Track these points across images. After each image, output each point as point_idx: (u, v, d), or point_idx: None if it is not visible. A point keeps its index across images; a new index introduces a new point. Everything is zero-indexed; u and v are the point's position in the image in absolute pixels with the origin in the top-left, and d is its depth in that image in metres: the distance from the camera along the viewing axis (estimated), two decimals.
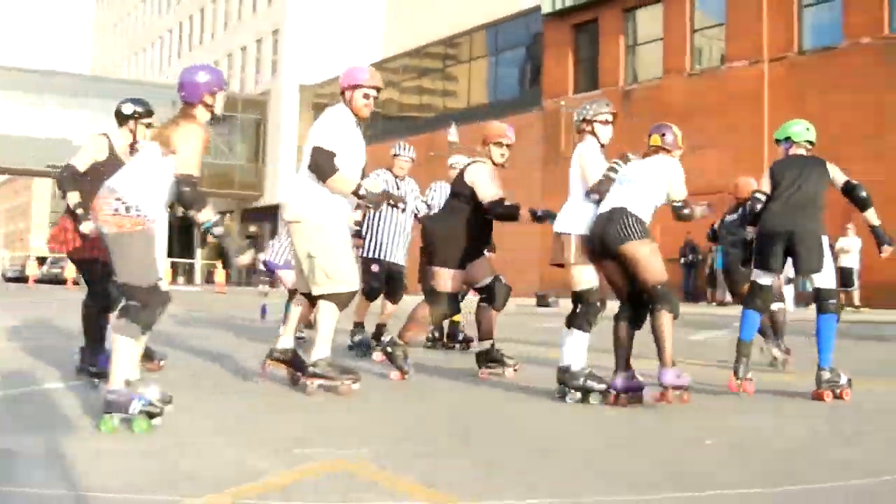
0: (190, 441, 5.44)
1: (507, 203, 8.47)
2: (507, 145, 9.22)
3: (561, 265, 7.54)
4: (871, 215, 8.03)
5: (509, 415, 6.86)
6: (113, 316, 6.65)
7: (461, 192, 8.71)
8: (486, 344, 9.20)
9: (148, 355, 8.23)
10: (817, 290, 7.88)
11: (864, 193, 8.00)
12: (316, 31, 53.56)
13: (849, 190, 8.05)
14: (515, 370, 9.04)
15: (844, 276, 23.83)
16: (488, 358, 9.15)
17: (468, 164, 8.62)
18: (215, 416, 6.40)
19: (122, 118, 8.39)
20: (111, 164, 7.75)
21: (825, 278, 7.83)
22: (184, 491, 4.22)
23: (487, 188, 8.13)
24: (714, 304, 27.59)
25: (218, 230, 6.49)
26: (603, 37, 34.59)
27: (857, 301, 24.12)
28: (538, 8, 37.11)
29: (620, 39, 33.99)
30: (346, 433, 5.82)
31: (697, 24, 31.79)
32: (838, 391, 7.55)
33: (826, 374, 7.60)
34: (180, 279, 62.00)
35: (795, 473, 4.84)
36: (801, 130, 8.61)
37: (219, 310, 23.56)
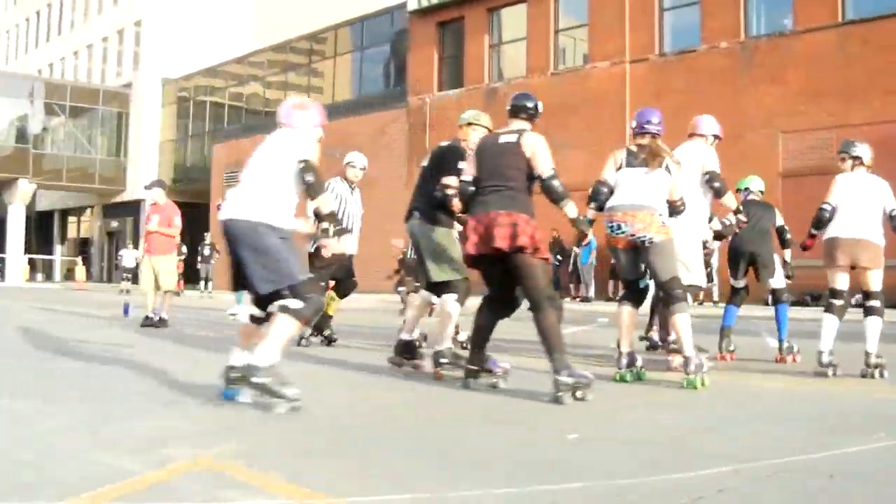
0: (48, 443, 5.29)
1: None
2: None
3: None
4: (788, 252, 11.11)
5: (388, 412, 6.83)
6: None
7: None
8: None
9: None
10: (773, 290, 10.87)
11: (788, 236, 11.08)
12: (179, 23, 52.72)
13: (780, 231, 11.08)
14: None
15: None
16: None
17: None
18: (76, 417, 6.21)
19: None
20: None
21: (777, 281, 10.84)
22: (40, 496, 4.08)
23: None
24: (578, 299, 27.96)
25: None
26: (468, 35, 34.72)
27: (715, 297, 24.83)
28: (404, 5, 37.08)
29: (485, 38, 34.17)
30: (217, 432, 5.71)
31: (561, 24, 32.15)
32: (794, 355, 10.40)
33: (785, 344, 10.44)
34: (39, 276, 60.52)
35: (662, 462, 4.90)
36: (760, 184, 11.69)
37: (82, 307, 23.03)
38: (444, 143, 9.34)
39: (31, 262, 57.08)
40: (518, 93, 8.28)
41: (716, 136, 10.40)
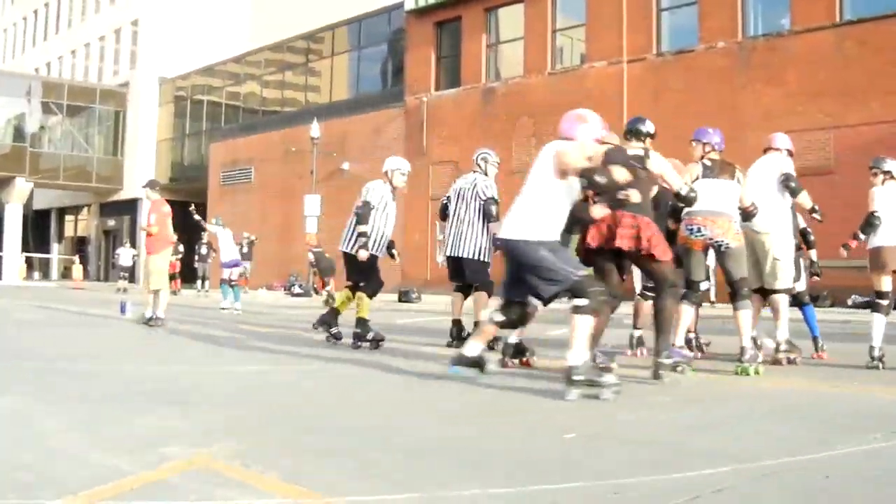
0: (46, 442, 5.28)
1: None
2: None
3: None
4: (814, 252, 11.81)
5: (387, 411, 6.82)
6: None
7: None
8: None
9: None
10: (796, 293, 10.62)
11: (812, 237, 11.86)
12: (176, 22, 52.59)
13: (803, 233, 11.65)
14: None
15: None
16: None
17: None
18: (74, 416, 6.21)
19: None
20: None
21: (799, 284, 10.83)
22: (38, 495, 4.07)
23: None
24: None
25: None
26: (465, 35, 34.67)
27: (712, 297, 24.78)
28: (401, 4, 37.03)
29: (482, 38, 34.13)
30: (215, 431, 5.70)
31: (558, 24, 32.11)
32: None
33: (820, 342, 10.80)
34: (36, 275, 60.47)
35: (660, 462, 4.90)
36: None
37: (79, 306, 23.01)
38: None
39: (28, 261, 56.99)
40: (633, 117, 9.52)
41: (789, 151, 10.76)
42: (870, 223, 9.92)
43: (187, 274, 38.46)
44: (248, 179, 44.76)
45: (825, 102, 24.52)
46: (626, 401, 7.24)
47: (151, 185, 17.08)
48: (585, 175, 7.40)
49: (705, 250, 9.46)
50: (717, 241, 9.10)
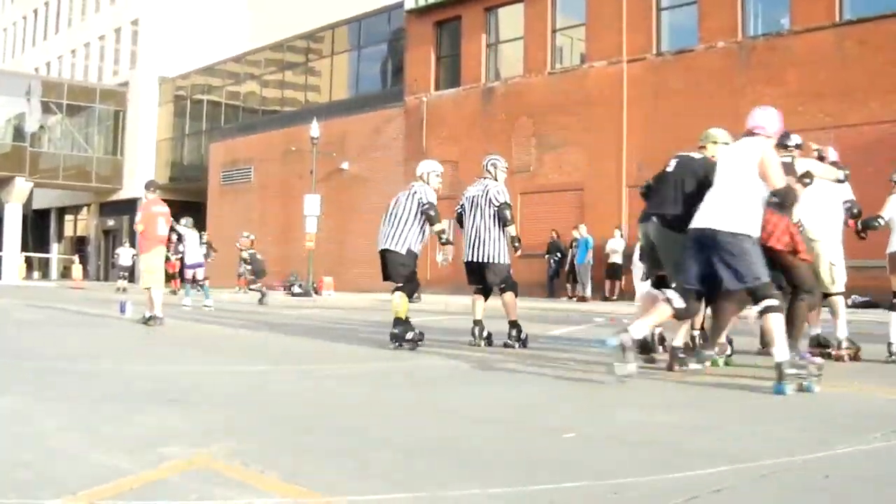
0: (46, 441, 5.27)
1: None
2: None
3: None
4: None
5: (386, 411, 6.81)
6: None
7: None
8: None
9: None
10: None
11: None
12: (176, 22, 52.56)
13: None
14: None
15: (614, 270, 27.46)
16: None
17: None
18: (74, 416, 6.21)
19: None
20: None
21: None
22: (38, 494, 4.06)
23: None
24: (574, 299, 27.95)
25: None
26: (465, 34, 34.69)
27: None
28: (401, 4, 37.03)
29: (482, 37, 34.13)
30: (215, 431, 5.69)
31: (558, 23, 32.11)
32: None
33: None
34: (35, 274, 60.48)
35: (659, 462, 4.90)
36: None
37: (78, 305, 23.01)
38: (696, 155, 9.69)
39: (28, 261, 56.99)
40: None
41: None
42: (868, 224, 10.66)
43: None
44: (247, 179, 44.76)
45: (825, 102, 24.52)
46: (624, 401, 7.27)
47: (147, 185, 17.22)
48: (779, 193, 7.97)
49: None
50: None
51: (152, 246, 16.34)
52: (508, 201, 12.00)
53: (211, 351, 11.85)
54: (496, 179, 12.26)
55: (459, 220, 12.46)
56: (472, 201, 12.15)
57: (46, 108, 54.93)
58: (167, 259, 37.24)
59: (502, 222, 11.84)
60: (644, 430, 5.95)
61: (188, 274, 23.75)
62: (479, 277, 12.09)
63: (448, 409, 6.91)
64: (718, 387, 8.07)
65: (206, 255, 36.49)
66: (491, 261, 11.85)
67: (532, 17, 32.38)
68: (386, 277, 12.04)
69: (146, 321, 15.80)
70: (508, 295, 11.92)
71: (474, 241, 11.96)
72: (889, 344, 10.28)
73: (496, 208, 11.84)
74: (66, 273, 56.98)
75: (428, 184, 12.23)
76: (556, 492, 4.24)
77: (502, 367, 9.66)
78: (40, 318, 18.38)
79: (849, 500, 4.28)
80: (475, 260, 11.94)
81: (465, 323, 13.01)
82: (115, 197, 55.98)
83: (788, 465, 4.85)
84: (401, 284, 11.79)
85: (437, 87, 35.62)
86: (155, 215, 16.30)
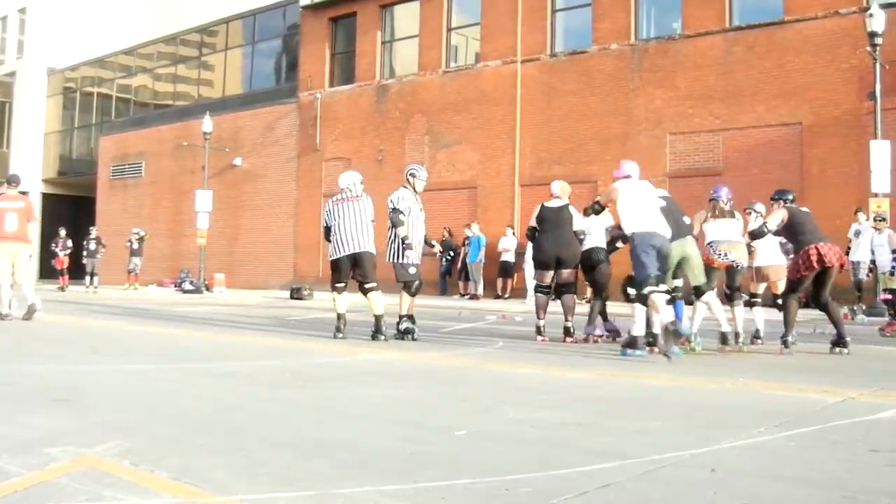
0: None
1: None
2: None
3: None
4: None
5: (280, 410, 6.77)
6: None
7: None
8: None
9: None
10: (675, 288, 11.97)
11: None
12: (66, 12, 51.45)
13: None
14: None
15: (506, 268, 28.02)
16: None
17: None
18: None
19: None
20: None
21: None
22: None
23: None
24: (467, 297, 28.05)
25: None
26: (360, 31, 34.58)
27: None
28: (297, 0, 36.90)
29: (377, 34, 34.06)
30: (103, 430, 5.57)
31: (454, 22, 32.19)
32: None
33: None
34: None
35: (549, 460, 4.91)
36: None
37: None
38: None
39: None
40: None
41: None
42: (757, 233, 12.01)
43: (75, 270, 37.77)
44: (138, 174, 44.05)
45: (715, 105, 25.03)
46: (511, 398, 7.33)
47: (9, 180, 17.00)
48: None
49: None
50: (736, 263, 12.10)
51: None
52: (399, 207, 12.87)
53: (96, 349, 11.65)
54: (415, 189, 13.24)
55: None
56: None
57: None
58: (55, 255, 36.77)
59: (393, 224, 12.83)
60: (531, 428, 5.96)
61: None
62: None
63: (341, 407, 6.88)
64: (603, 386, 8.16)
65: (96, 252, 36.10)
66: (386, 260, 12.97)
67: (427, 16, 32.41)
68: (354, 277, 13.07)
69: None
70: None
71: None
72: (757, 330, 12.56)
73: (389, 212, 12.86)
74: None
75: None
76: (448, 488, 4.25)
77: (395, 365, 9.71)
78: None
79: (734, 492, 4.32)
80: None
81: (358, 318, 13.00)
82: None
83: (674, 460, 4.92)
84: (375, 283, 12.96)
85: (332, 84, 35.45)
86: (3, 210, 15.90)
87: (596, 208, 11.83)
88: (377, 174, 29.91)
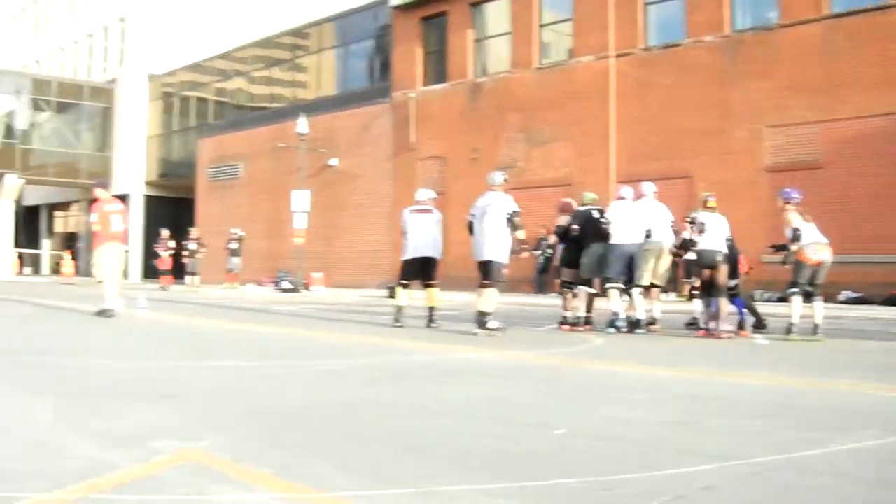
0: (36, 434, 5.32)
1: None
2: None
3: None
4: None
5: (377, 408, 6.77)
6: None
7: None
8: None
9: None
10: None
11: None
12: (163, 19, 52.44)
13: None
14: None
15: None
16: None
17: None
18: (64, 410, 6.26)
19: None
20: None
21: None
22: (28, 487, 4.06)
23: None
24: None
25: None
26: (451, 30, 34.59)
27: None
28: (387, 0, 36.96)
29: (469, 33, 34.01)
30: (205, 425, 5.72)
31: (545, 18, 32.00)
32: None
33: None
34: (27, 270, 60.56)
35: (647, 460, 4.88)
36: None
37: (69, 301, 22.90)
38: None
39: (20, 257, 57.11)
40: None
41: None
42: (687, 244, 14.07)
43: (176, 269, 38.41)
44: (236, 175, 44.67)
45: (813, 96, 24.44)
46: (606, 396, 7.35)
47: (100, 184, 18.23)
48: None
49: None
50: (824, 261, 13.38)
51: (102, 242, 16.87)
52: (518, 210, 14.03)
53: (197, 346, 11.93)
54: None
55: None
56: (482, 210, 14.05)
57: (36, 106, 54.87)
58: (157, 256, 37.48)
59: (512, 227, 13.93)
60: (631, 428, 5.94)
61: None
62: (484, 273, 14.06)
63: (437, 404, 6.92)
64: (703, 385, 8.04)
65: (196, 251, 36.69)
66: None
67: (518, 12, 32.27)
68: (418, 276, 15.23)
69: (100, 313, 16.37)
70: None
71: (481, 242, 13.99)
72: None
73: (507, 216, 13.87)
74: (56, 269, 56.97)
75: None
76: (546, 487, 4.26)
77: (492, 363, 9.78)
78: (28, 313, 18.53)
79: (841, 499, 4.21)
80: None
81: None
82: None
83: (778, 463, 4.85)
84: (436, 281, 15.40)
85: (425, 83, 35.51)
86: (107, 214, 16.90)
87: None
88: (472, 172, 29.89)
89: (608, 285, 14.53)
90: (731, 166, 25.29)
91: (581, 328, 14.78)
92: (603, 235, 14.66)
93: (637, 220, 14.59)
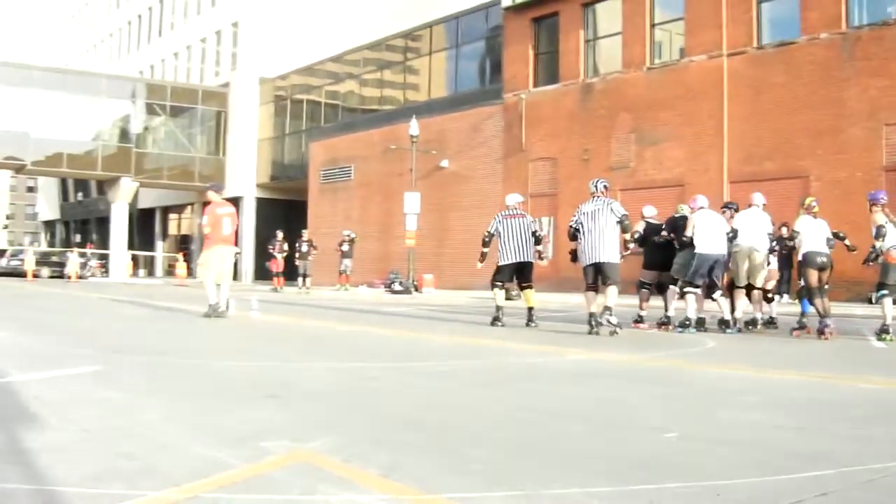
0: (147, 434, 5.38)
1: None
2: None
3: None
4: None
5: (484, 409, 6.78)
6: None
7: None
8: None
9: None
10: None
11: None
12: (275, 23, 53.13)
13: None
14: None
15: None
16: None
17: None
18: (176, 409, 6.34)
19: None
20: None
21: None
22: (141, 485, 4.13)
23: None
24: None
25: None
26: (563, 30, 34.53)
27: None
28: (498, 1, 37.01)
29: (580, 33, 33.93)
30: (314, 425, 5.78)
31: (657, 18, 31.76)
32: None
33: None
34: (141, 272, 61.74)
35: (762, 464, 4.81)
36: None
37: (181, 303, 23.37)
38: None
39: (135, 258, 58.21)
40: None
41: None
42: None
43: (288, 271, 38.82)
44: (347, 177, 45.05)
45: None
46: (720, 399, 7.24)
47: (214, 188, 18.47)
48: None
49: None
50: None
51: (211, 244, 17.17)
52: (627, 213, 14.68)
53: (307, 347, 11.98)
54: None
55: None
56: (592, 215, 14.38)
57: (150, 110, 56.02)
58: (272, 257, 37.98)
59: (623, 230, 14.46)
60: (744, 430, 5.85)
61: None
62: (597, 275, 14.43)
63: (546, 406, 6.88)
64: (820, 389, 7.95)
65: (308, 254, 37.07)
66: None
67: (630, 12, 32.10)
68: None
69: (206, 315, 16.68)
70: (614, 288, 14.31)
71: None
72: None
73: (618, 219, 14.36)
74: (170, 271, 57.97)
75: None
76: (657, 492, 4.20)
77: (602, 365, 9.69)
78: (141, 314, 18.78)
79: None
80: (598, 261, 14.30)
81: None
82: None
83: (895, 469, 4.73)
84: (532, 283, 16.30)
85: (536, 84, 35.49)
86: (219, 217, 17.22)
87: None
88: (583, 174, 29.83)
89: (687, 289, 14.95)
90: (847, 165, 24.89)
91: (663, 328, 15.34)
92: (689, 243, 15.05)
93: (720, 229, 15.01)
